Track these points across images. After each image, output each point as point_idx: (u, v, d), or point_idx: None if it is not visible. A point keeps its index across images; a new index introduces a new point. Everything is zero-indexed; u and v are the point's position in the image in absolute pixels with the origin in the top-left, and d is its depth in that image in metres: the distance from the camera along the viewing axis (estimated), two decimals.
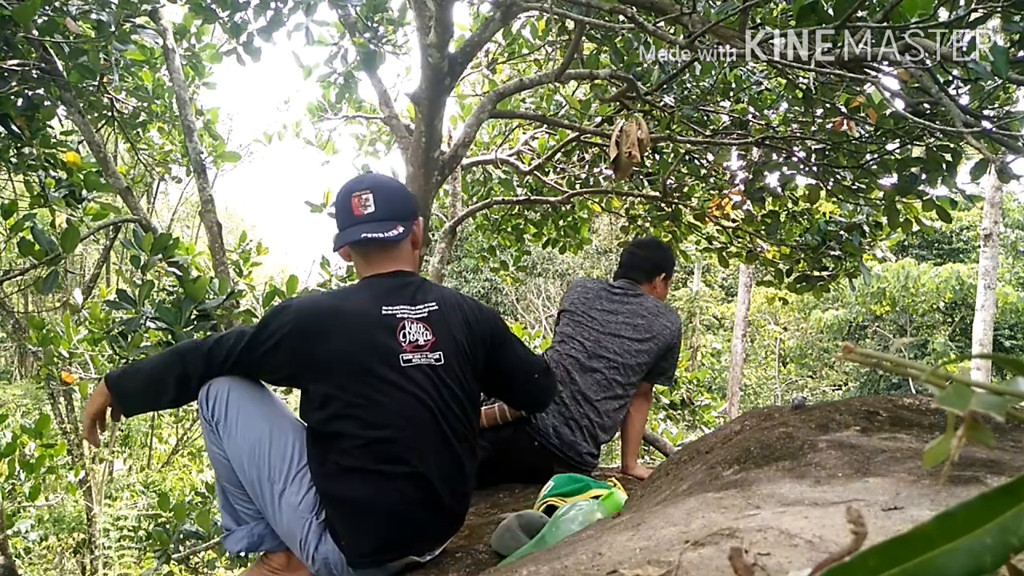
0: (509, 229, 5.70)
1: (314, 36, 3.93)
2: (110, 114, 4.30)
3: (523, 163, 5.13)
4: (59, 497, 6.56)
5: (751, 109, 3.81)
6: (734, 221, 4.54)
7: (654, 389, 3.42)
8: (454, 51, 3.36)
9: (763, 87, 3.79)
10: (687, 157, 4.42)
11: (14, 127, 3.17)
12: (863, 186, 3.62)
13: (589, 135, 4.55)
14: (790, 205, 4.27)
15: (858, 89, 2.92)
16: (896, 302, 14.14)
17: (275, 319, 1.68)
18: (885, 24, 2.00)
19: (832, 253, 4.08)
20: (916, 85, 2.27)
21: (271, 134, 5.95)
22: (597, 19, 2.98)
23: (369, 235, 1.71)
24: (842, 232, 4.01)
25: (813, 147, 3.62)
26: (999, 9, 2.02)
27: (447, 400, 1.67)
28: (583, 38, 3.65)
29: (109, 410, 1.75)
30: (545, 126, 5.03)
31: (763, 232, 4.26)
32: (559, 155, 4.96)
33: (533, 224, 5.63)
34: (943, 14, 2.05)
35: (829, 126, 3.36)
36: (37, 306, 9.80)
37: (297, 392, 1.76)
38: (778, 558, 0.67)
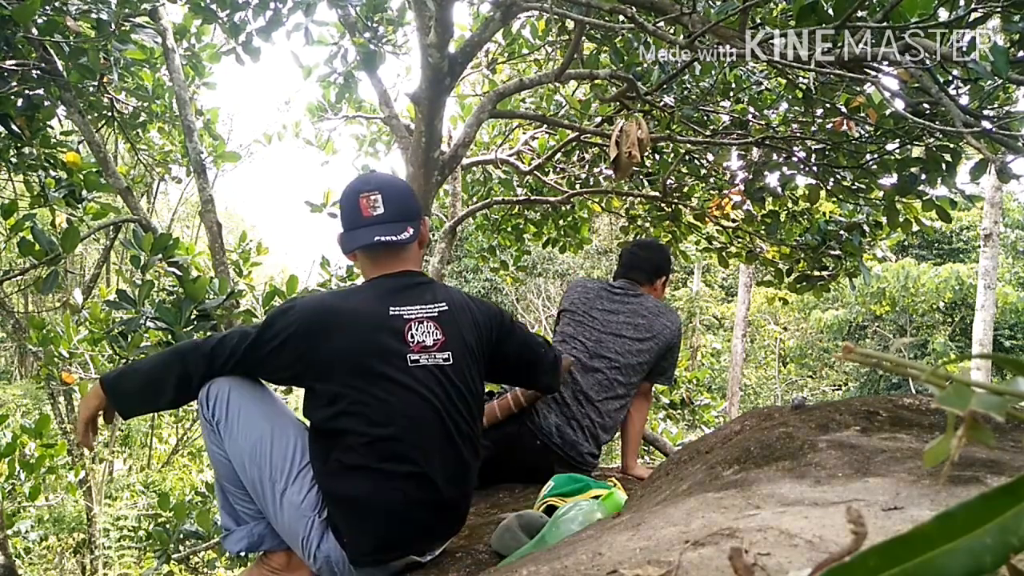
0: (509, 229, 5.70)
1: (314, 36, 3.93)
2: (110, 114, 4.30)
3: (523, 163, 5.13)
4: (59, 497, 6.57)
5: (751, 109, 3.81)
6: (734, 221, 4.54)
7: (654, 389, 3.42)
8: (454, 51, 3.36)
9: (763, 87, 3.79)
10: (687, 157, 4.42)
11: (14, 127, 3.17)
12: (863, 186, 3.63)
13: (589, 135, 4.55)
14: (790, 205, 4.27)
15: (858, 89, 2.93)
16: (896, 302, 14.13)
17: (280, 319, 1.68)
18: (885, 24, 2.00)
19: (832, 253, 4.08)
20: (916, 85, 2.27)
21: (271, 134, 5.96)
22: (597, 19, 2.98)
23: (383, 238, 1.70)
24: (842, 232, 4.01)
25: (813, 147, 3.62)
26: (999, 9, 2.02)
27: (453, 400, 1.67)
28: (583, 38, 3.65)
29: (102, 413, 1.73)
30: (545, 126, 5.03)
31: (763, 232, 4.26)
32: (559, 155, 4.96)
33: (533, 224, 5.63)
34: (943, 14, 2.05)
35: (829, 126, 3.36)
36: (37, 306, 9.80)
37: (297, 392, 1.75)
38: (778, 558, 0.67)
